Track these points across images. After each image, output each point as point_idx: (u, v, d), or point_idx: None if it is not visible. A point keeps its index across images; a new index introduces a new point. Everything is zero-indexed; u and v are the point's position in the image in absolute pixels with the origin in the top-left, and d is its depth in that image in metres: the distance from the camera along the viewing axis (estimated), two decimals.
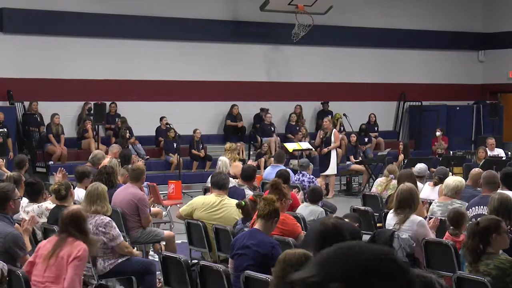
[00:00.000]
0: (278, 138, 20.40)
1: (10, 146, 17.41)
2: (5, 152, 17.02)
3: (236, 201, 8.85)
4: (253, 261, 6.50)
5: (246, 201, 8.23)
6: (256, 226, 6.76)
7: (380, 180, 12.12)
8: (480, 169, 10.70)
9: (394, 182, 11.37)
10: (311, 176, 13.04)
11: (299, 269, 4.17)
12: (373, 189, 12.21)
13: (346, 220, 7.64)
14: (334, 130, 17.90)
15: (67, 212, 6.37)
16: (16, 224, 7.50)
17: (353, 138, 19.58)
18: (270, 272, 6.49)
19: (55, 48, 18.67)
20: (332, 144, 17.51)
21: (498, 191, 8.33)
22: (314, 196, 9.22)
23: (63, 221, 6.28)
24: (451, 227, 7.42)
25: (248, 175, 10.26)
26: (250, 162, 12.88)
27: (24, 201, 8.47)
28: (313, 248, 5.08)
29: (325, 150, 17.48)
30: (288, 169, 11.53)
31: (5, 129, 17.36)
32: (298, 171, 13.33)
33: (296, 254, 4.68)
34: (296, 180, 12.78)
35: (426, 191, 10.66)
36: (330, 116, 20.95)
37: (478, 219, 6.09)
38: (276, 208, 6.72)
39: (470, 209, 8.36)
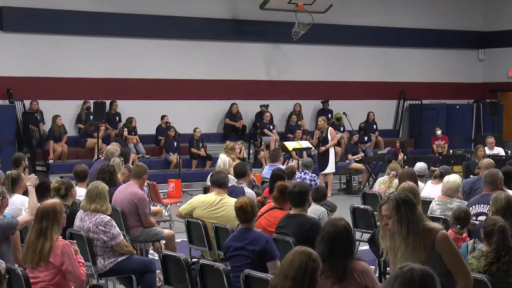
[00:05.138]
0: (278, 137, 20.38)
1: None
2: None
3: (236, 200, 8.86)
4: (249, 259, 6.64)
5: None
6: (243, 226, 6.93)
7: (383, 178, 12.10)
8: (491, 159, 11.07)
9: (397, 180, 11.36)
10: (313, 175, 13.02)
11: (307, 266, 4.25)
12: (376, 187, 12.18)
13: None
14: (330, 128, 17.92)
15: None
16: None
17: (355, 137, 19.54)
18: (265, 267, 6.53)
19: (55, 46, 18.66)
20: (329, 142, 17.53)
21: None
22: (317, 195, 9.18)
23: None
24: (457, 226, 7.41)
25: (239, 172, 10.25)
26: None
27: (26, 199, 8.45)
28: (320, 248, 5.07)
29: (323, 148, 17.52)
30: (282, 168, 11.52)
31: None
32: (300, 170, 13.33)
33: (299, 251, 4.71)
34: (298, 179, 12.77)
35: (428, 189, 10.66)
36: (328, 115, 20.99)
37: None
38: (252, 207, 6.92)
39: (470, 208, 8.34)
